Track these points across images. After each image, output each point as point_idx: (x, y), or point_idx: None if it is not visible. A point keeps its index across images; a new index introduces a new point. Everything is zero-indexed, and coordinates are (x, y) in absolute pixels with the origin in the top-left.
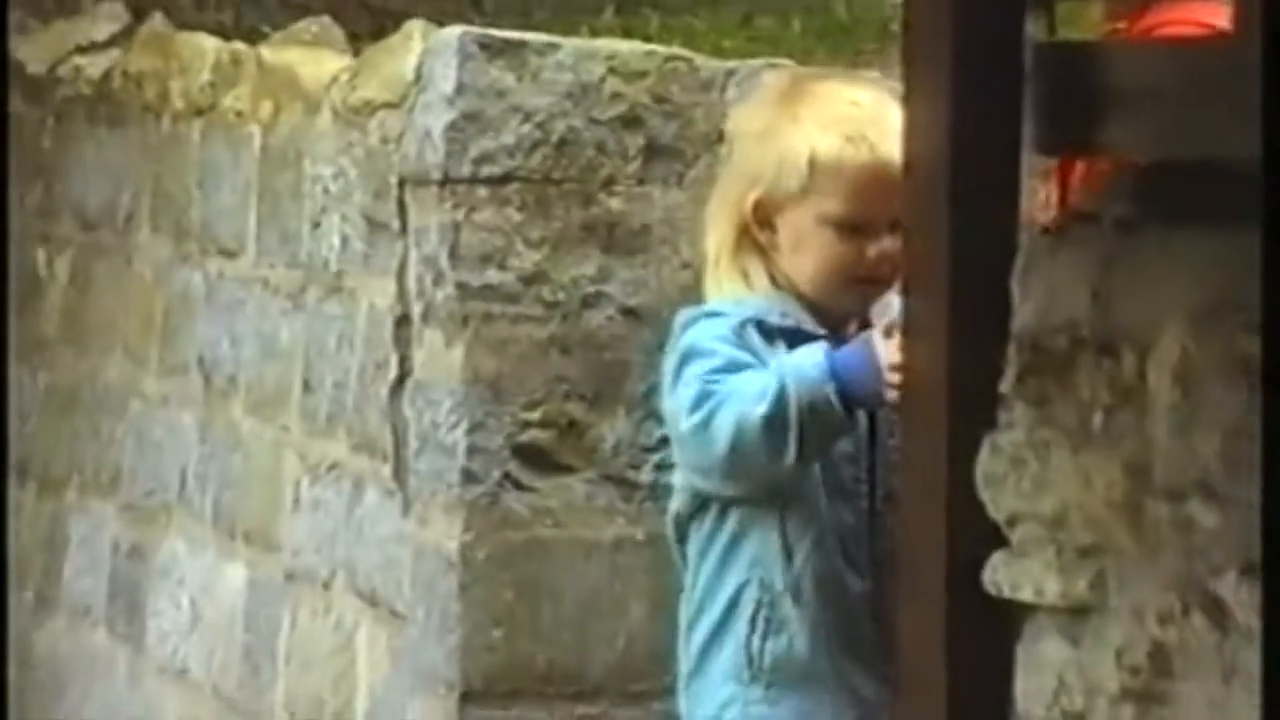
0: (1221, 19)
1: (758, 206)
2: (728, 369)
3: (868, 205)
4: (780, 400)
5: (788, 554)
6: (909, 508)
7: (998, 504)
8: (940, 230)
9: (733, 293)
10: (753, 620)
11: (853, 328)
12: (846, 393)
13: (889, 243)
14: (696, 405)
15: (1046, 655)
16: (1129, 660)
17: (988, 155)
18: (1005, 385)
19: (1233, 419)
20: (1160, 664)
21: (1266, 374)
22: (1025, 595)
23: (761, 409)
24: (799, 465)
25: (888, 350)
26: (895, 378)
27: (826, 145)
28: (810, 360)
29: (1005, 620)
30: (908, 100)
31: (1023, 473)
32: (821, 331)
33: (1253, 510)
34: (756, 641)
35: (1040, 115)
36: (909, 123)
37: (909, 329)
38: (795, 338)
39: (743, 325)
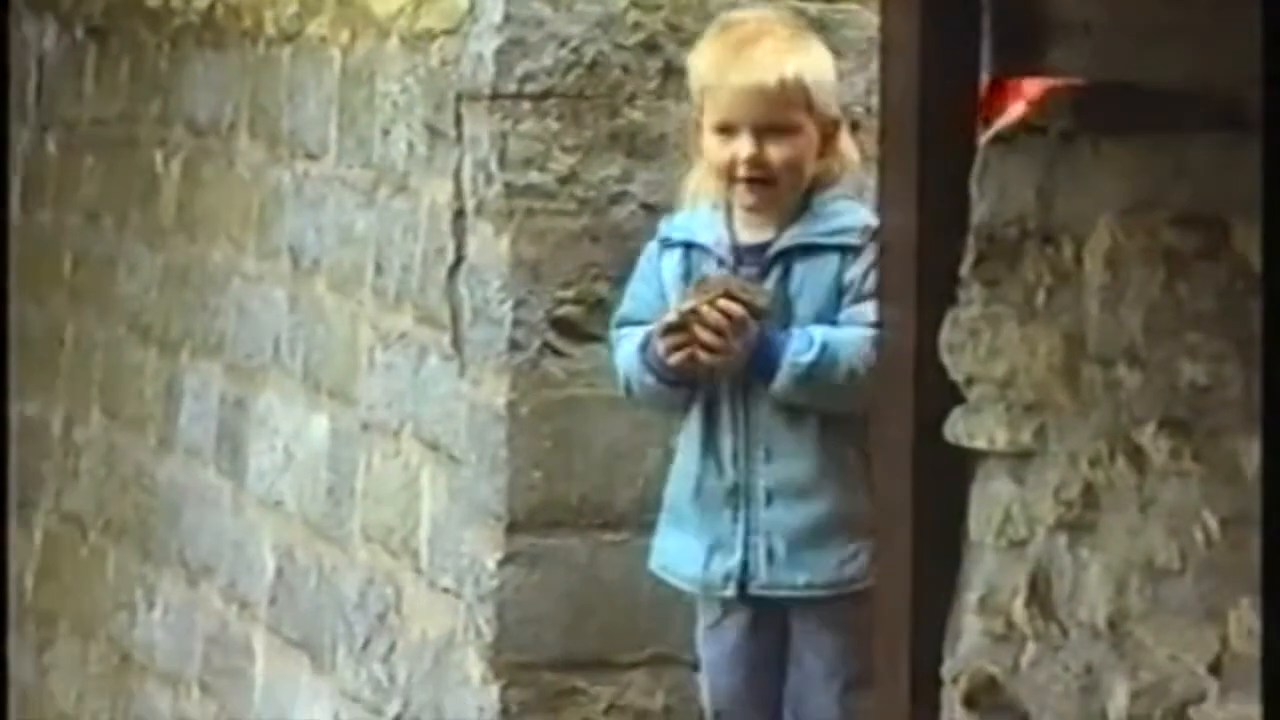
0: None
1: (696, 124)
2: (628, 320)
3: (729, 114)
4: (627, 384)
5: (682, 426)
6: (883, 372)
7: (957, 367)
8: (911, 138)
9: (684, 202)
10: (673, 471)
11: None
12: (661, 375)
13: (753, 144)
14: (610, 344)
15: (996, 493)
16: (1064, 496)
17: (951, 75)
18: (964, 269)
19: (1153, 297)
20: (1090, 500)
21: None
22: (979, 443)
23: (621, 387)
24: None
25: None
26: (675, 358)
27: (704, 71)
28: (635, 354)
29: (962, 464)
30: (883, 30)
31: (978, 341)
32: (705, 242)
33: (1169, 372)
34: (667, 489)
35: (993, 42)
36: (883, 49)
37: (885, 224)
38: (687, 250)
39: (659, 243)
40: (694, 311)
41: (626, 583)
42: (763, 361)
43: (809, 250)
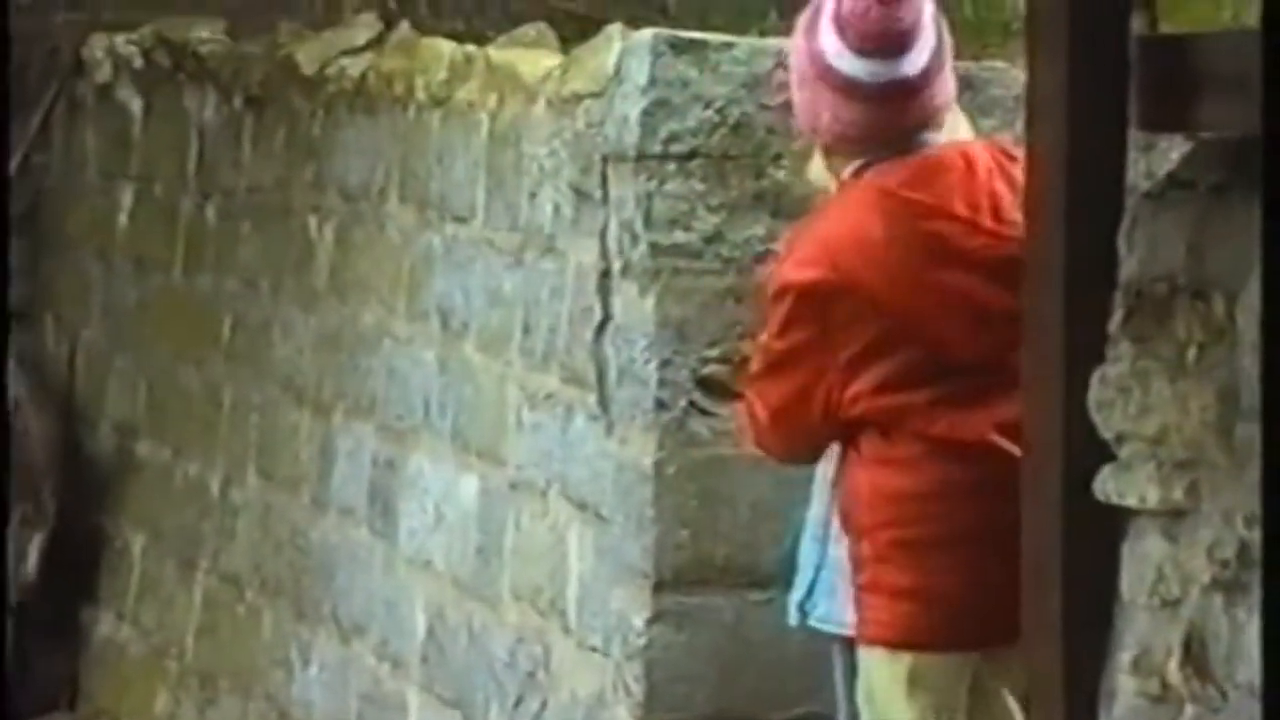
0: None
1: None
2: None
3: None
4: None
5: None
6: (1032, 429)
7: (1107, 425)
8: (1059, 195)
9: None
10: None
11: None
12: None
13: None
14: None
15: (1148, 552)
16: (1219, 555)
17: (1098, 132)
18: (1113, 325)
19: None
20: (1245, 559)
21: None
22: (1130, 501)
23: None
24: None
25: None
26: None
27: None
28: None
29: (1113, 523)
30: (1030, 87)
31: (1129, 399)
32: None
33: None
34: None
35: (1142, 97)
36: (1030, 105)
37: (1033, 280)
38: None
39: None
40: None
41: (774, 641)
42: None
43: None
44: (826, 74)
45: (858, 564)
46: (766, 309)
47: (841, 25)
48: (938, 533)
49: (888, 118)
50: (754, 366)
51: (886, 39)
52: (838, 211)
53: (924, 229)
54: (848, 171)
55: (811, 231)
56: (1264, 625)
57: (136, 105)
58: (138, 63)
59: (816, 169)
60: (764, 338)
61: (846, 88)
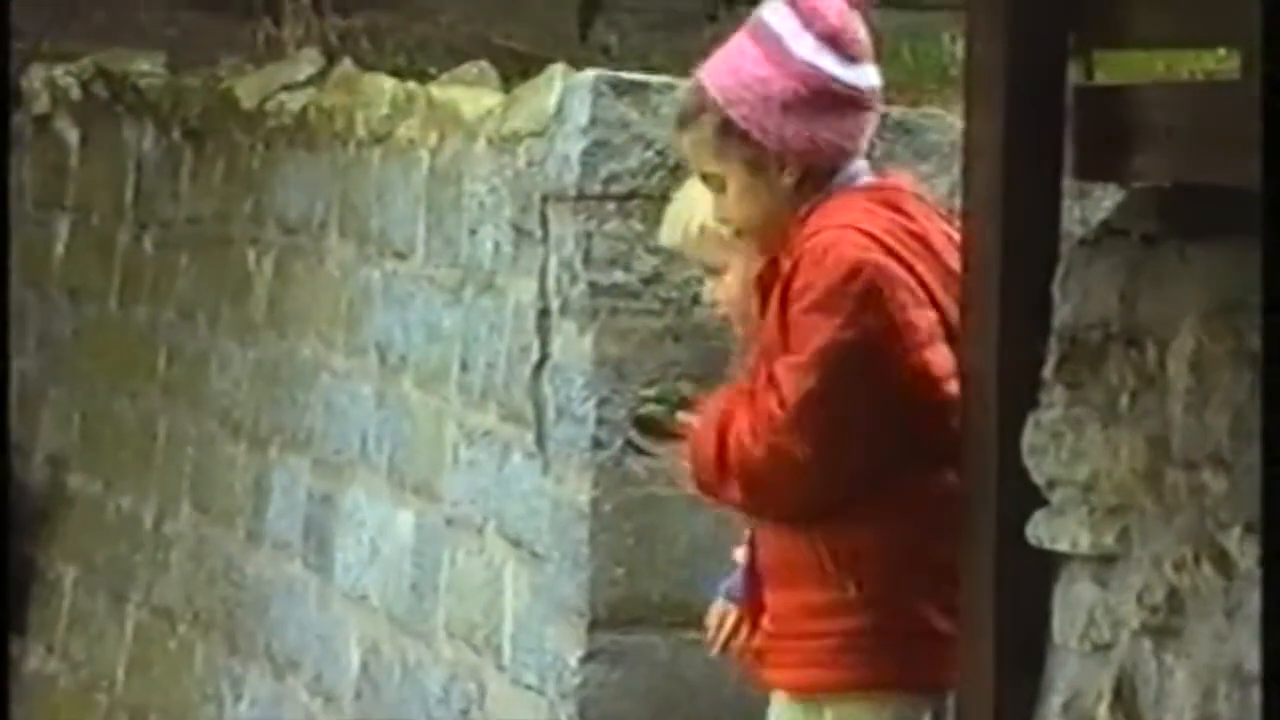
0: None
1: None
2: None
3: None
4: None
5: None
6: (967, 475)
7: (1040, 470)
8: (993, 242)
9: None
10: None
11: None
12: None
13: None
14: None
15: (1079, 596)
16: (1148, 601)
17: (1034, 179)
18: (1047, 372)
19: (1239, 401)
20: (1175, 604)
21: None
22: (1062, 546)
23: None
24: None
25: None
26: None
27: None
28: None
29: (1045, 567)
30: (967, 134)
31: (1061, 444)
32: None
33: (1255, 476)
34: None
35: (1077, 146)
36: (967, 152)
37: (969, 326)
38: None
39: None
40: None
41: (708, 681)
42: None
43: None
44: (830, 86)
45: (848, 608)
46: (817, 309)
47: (833, 39)
48: (932, 572)
49: (871, 123)
50: (802, 376)
51: (868, 46)
52: (852, 213)
53: (949, 229)
54: (805, 208)
55: (835, 235)
56: (1264, 627)
57: (74, 136)
58: (76, 94)
59: (669, 233)
60: (802, 355)
61: (850, 97)
